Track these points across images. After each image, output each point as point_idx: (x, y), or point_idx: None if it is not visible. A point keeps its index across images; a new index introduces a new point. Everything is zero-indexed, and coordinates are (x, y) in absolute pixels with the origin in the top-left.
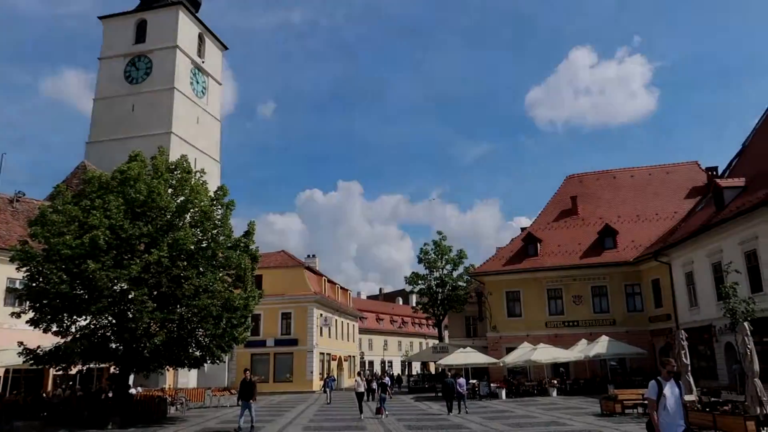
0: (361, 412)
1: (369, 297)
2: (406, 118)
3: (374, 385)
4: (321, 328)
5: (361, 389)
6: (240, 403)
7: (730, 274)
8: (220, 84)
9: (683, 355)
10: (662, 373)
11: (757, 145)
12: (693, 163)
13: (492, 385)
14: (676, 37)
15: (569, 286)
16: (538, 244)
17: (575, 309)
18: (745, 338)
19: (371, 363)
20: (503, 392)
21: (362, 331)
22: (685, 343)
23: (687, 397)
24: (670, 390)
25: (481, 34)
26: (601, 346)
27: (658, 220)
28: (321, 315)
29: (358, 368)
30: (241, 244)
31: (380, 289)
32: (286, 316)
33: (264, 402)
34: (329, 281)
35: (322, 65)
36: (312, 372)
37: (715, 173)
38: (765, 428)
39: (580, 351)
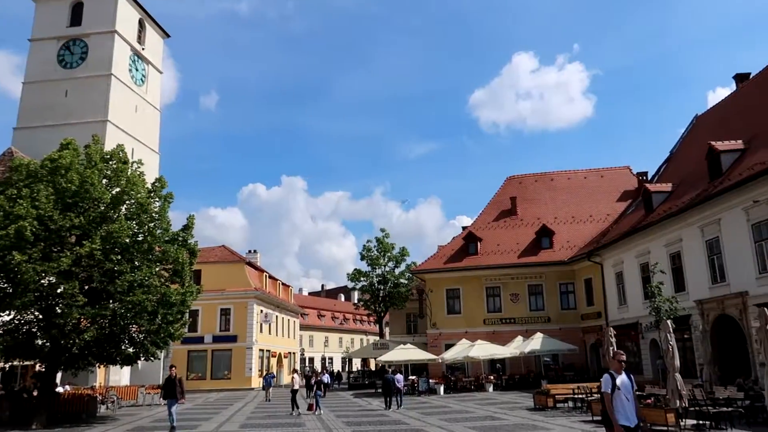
0: (295, 408)
1: (311, 293)
2: (352, 114)
3: (313, 381)
4: (261, 325)
5: (297, 386)
6: (165, 402)
7: (656, 274)
8: (161, 72)
9: (611, 351)
10: (614, 366)
11: (683, 153)
12: (625, 168)
13: (431, 381)
14: (612, 47)
15: (507, 284)
16: (479, 243)
17: (512, 307)
18: (668, 335)
19: (312, 359)
20: (441, 388)
21: (303, 327)
22: (613, 340)
23: None
24: (622, 383)
25: (429, 34)
26: (536, 342)
27: (592, 222)
28: (261, 311)
29: (298, 365)
30: (180, 238)
31: (322, 286)
32: (225, 312)
33: (200, 400)
34: (270, 277)
35: (268, 57)
36: (251, 369)
37: (645, 178)
38: (684, 420)
39: (516, 347)
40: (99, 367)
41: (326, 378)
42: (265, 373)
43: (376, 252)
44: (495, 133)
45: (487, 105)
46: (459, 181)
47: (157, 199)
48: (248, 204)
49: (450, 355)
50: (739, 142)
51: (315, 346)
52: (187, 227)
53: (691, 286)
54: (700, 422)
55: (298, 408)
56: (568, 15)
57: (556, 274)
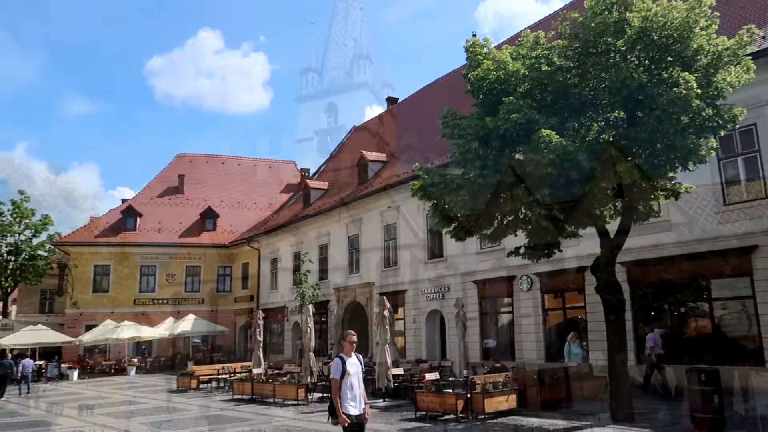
0: None
1: None
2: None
3: None
4: None
5: None
6: None
7: (305, 263)
8: None
9: (258, 333)
10: (344, 348)
11: (341, 157)
12: (291, 162)
13: (63, 365)
14: (293, 47)
15: (165, 263)
16: (138, 219)
17: (167, 287)
18: (308, 318)
19: None
20: (75, 373)
21: None
22: (261, 322)
23: (255, 371)
24: (353, 367)
25: None
26: (187, 324)
27: (256, 209)
28: None
29: None
30: None
31: None
32: None
33: None
34: None
35: None
36: None
37: (307, 174)
38: (312, 393)
39: (165, 329)
40: None
41: None
42: None
43: (9, 217)
44: (170, 106)
45: (165, 75)
46: (124, 149)
47: None
48: None
49: (90, 337)
50: (383, 154)
51: None
52: None
53: (333, 275)
54: (325, 395)
55: None
56: (260, 3)
57: (216, 256)
